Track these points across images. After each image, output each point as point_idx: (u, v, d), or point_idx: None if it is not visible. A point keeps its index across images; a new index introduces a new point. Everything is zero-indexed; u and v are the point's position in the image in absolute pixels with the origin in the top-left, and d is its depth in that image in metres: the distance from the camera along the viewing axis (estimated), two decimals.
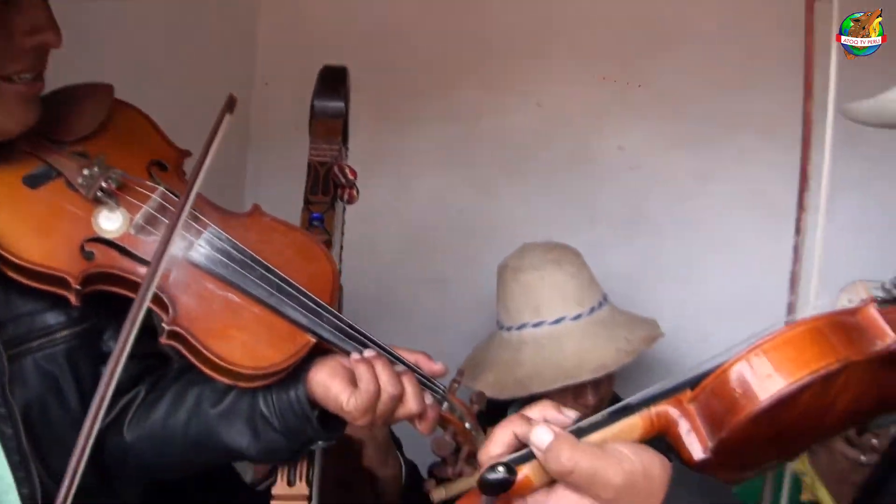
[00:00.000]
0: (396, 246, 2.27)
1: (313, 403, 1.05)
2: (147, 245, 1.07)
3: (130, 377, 1.16)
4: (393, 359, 1.08)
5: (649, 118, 2.21)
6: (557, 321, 1.74)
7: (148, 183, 1.09)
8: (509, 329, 1.80)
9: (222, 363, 1.02)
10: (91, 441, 0.92)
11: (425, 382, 1.10)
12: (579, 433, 0.74)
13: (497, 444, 0.74)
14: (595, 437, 0.74)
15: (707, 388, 0.76)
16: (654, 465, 0.71)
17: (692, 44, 2.17)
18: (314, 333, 1.05)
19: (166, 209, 1.07)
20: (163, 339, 1.05)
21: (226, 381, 1.04)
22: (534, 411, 0.77)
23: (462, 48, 2.24)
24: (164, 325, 1.04)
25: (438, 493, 1.37)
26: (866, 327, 0.78)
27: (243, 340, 1.03)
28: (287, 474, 1.12)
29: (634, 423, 0.76)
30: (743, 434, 0.75)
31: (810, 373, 0.73)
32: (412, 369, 1.09)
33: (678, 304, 2.14)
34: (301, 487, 1.11)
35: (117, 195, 1.07)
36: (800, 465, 1.83)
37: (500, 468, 0.69)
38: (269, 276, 1.06)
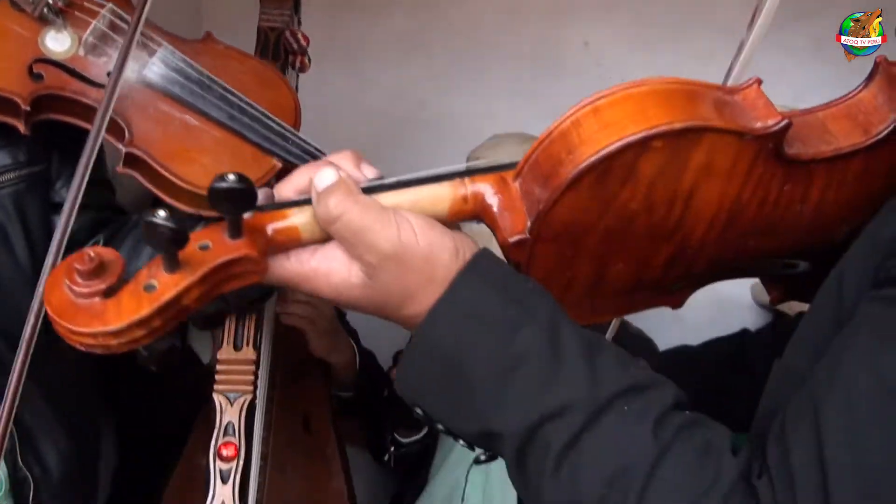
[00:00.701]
0: (354, 137, 2.21)
1: None
2: (98, 67, 1.01)
3: (85, 228, 1.10)
4: None
5: (615, 15, 2.18)
6: None
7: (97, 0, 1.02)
8: (479, 222, 1.76)
9: (184, 185, 0.97)
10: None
11: None
12: (372, 190, 0.62)
13: (289, 186, 0.64)
14: (389, 197, 0.62)
15: (531, 159, 0.63)
16: (443, 251, 0.61)
17: None
18: (280, 157, 1.00)
19: (117, 27, 1.00)
20: (119, 168, 1.00)
21: (188, 208, 0.99)
22: (337, 156, 0.67)
23: None
24: (121, 147, 0.98)
25: None
26: (746, 107, 0.64)
27: (205, 163, 0.98)
28: (234, 338, 1.08)
29: (442, 194, 0.64)
30: (567, 209, 0.62)
31: (649, 127, 0.59)
32: None
33: None
34: (248, 352, 1.07)
35: (65, 13, 1.00)
36: None
37: (231, 176, 0.53)
38: (229, 97, 1.00)
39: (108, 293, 0.54)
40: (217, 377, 1.07)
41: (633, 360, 0.62)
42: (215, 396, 1.05)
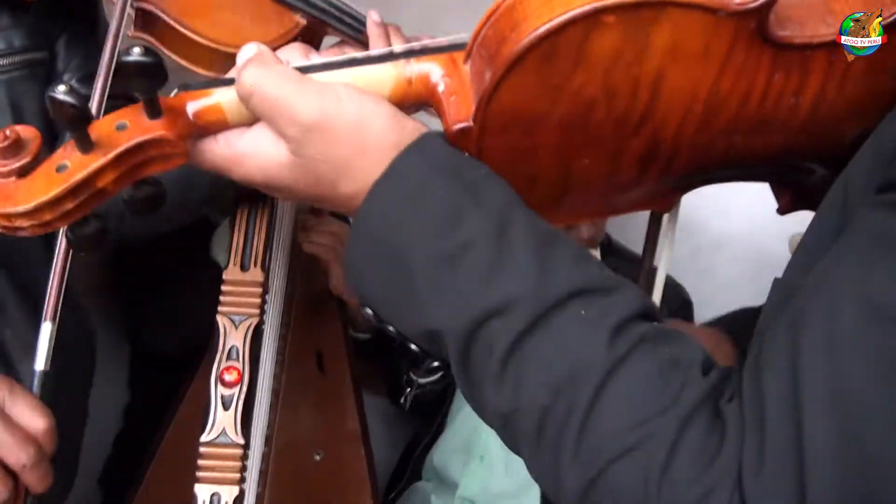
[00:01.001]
0: None
1: None
2: None
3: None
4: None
5: None
6: None
7: None
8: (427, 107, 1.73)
9: (202, 40, 0.88)
10: None
11: None
12: (306, 70, 0.58)
13: (234, 72, 0.59)
14: (322, 77, 0.58)
15: (479, 37, 0.58)
16: (375, 117, 0.55)
17: None
18: (304, 13, 0.92)
19: None
20: (131, 32, 0.92)
21: (206, 71, 0.91)
22: (286, 48, 0.64)
23: None
24: (131, 5, 0.91)
25: None
26: None
27: (224, 18, 0.89)
28: (240, 258, 1.01)
29: (384, 74, 0.59)
30: (514, 94, 0.56)
31: None
32: None
33: None
34: (255, 273, 0.97)
35: None
36: None
37: (137, 49, 0.50)
38: None
39: (23, 173, 0.53)
40: (221, 298, 0.99)
41: (595, 261, 0.55)
42: (219, 318, 0.96)
